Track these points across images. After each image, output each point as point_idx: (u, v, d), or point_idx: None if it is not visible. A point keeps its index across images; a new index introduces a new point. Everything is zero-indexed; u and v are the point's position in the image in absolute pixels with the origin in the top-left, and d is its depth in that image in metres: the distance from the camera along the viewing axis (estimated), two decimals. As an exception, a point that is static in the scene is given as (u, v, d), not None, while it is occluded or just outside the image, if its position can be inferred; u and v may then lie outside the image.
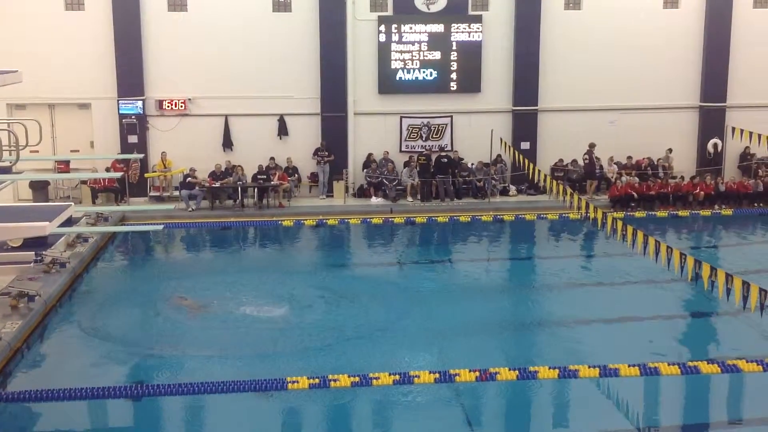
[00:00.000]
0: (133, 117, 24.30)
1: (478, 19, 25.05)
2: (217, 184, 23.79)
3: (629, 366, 12.93)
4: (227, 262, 20.49)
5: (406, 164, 25.01)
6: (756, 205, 24.48)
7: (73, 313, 16.14)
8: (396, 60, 24.96)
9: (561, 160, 25.45)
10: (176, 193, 24.12)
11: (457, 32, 24.99)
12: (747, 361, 13.22)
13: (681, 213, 23.90)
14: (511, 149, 23.91)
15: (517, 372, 12.85)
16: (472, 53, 25.13)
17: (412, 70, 25.07)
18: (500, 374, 12.77)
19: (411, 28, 24.86)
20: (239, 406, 12.12)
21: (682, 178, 24.97)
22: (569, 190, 19.29)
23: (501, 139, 24.76)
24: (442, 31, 24.96)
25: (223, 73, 24.49)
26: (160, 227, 20.40)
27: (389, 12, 24.98)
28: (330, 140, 24.92)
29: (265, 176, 24.00)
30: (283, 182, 24.01)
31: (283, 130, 25.03)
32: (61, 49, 23.67)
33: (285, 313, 15.99)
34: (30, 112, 23.09)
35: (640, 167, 25.46)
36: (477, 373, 12.73)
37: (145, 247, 21.71)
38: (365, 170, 25.11)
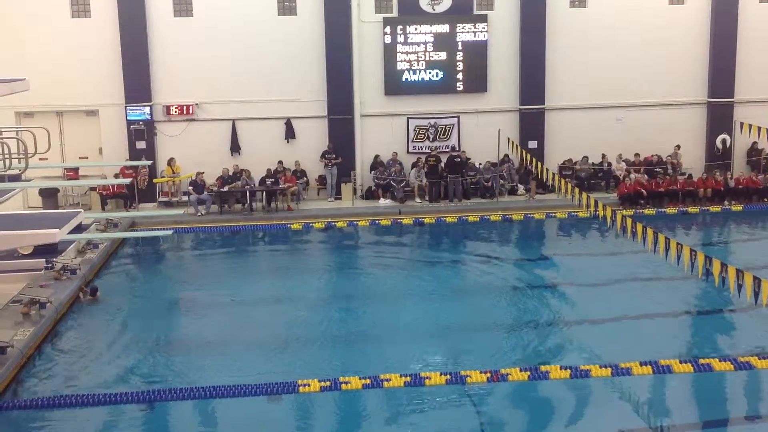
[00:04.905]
0: (140, 123, 24.37)
1: (483, 19, 25.02)
2: (226, 189, 23.83)
3: (641, 365, 12.89)
4: (237, 265, 20.50)
5: (414, 165, 25.00)
6: (766, 200, 24.38)
7: (85, 319, 16.17)
8: (402, 61, 24.95)
9: (570, 159, 25.40)
10: (185, 198, 24.18)
11: (462, 32, 24.96)
12: (760, 358, 13.17)
13: (691, 209, 23.82)
14: (519, 148, 23.86)
15: (528, 373, 12.82)
16: (477, 53, 25.09)
17: (418, 71, 25.05)
18: (511, 375, 12.75)
19: (416, 29, 24.84)
20: (251, 406, 12.17)
21: (690, 176, 24.87)
22: (578, 189, 19.25)
23: (508, 139, 24.72)
24: (448, 31, 24.93)
25: (230, 77, 24.53)
26: (170, 232, 20.43)
27: (394, 13, 24.97)
28: (337, 142, 24.94)
29: (273, 179, 24.03)
30: (291, 185, 24.04)
31: (290, 134, 25.05)
32: (68, 56, 23.77)
33: (295, 314, 16.01)
34: (38, 120, 23.11)
35: (649, 164, 25.38)
36: (488, 374, 12.72)
37: (155, 252, 21.74)
38: (373, 172, 25.11)
